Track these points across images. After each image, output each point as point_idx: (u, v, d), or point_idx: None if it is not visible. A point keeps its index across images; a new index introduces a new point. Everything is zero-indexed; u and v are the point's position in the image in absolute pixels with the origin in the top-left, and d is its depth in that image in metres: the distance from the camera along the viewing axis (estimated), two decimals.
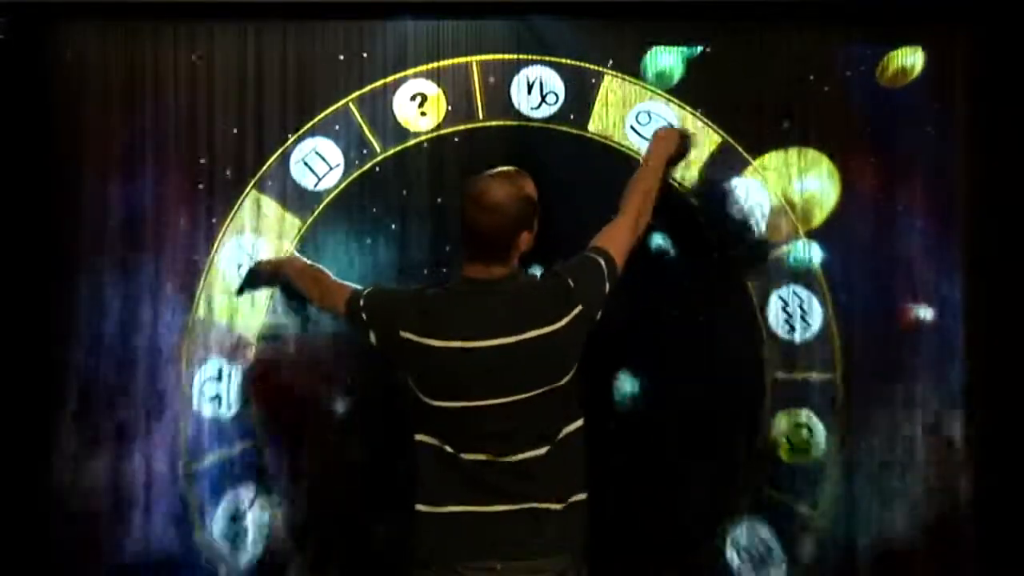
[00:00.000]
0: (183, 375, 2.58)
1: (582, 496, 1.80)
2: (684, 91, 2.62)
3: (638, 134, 2.61)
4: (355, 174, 2.62)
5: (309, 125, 2.62)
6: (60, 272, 2.57)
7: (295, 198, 2.62)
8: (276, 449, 2.58)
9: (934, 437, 2.59)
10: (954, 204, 2.62)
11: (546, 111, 2.63)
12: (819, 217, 2.62)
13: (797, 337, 2.61)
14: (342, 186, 2.62)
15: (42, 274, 2.57)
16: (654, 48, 2.61)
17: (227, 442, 2.58)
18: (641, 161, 2.16)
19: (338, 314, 1.94)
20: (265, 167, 2.61)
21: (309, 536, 2.57)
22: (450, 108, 2.62)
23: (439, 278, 2.42)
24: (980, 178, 2.60)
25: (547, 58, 2.62)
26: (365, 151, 2.62)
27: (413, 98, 2.62)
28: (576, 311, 1.76)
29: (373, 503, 2.51)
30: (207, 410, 2.59)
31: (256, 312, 2.58)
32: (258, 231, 2.60)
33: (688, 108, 2.62)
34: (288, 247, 2.58)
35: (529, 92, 2.62)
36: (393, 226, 2.59)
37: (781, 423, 2.60)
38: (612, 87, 2.63)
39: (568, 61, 2.62)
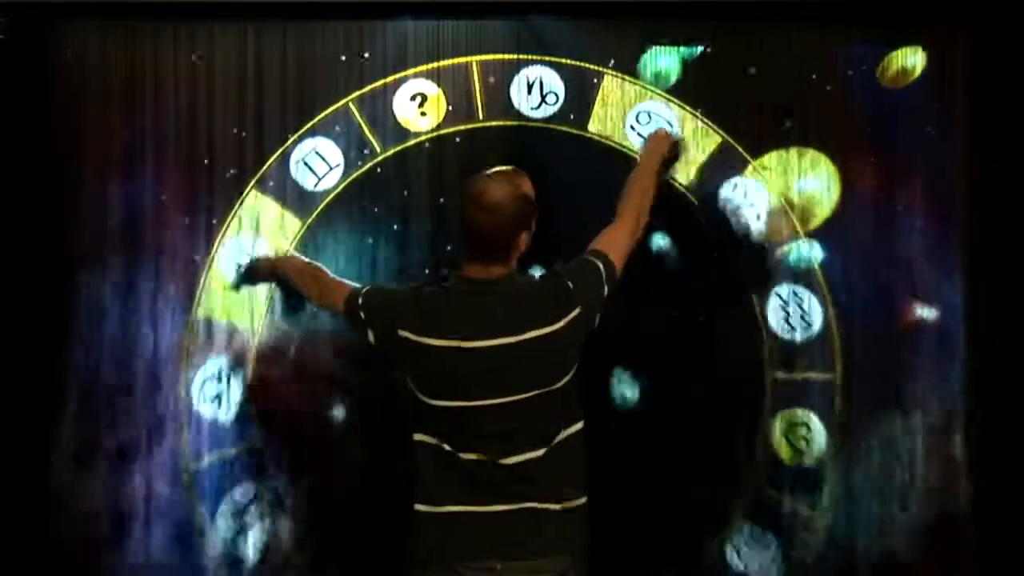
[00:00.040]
0: (183, 375, 2.58)
1: (582, 499, 1.80)
2: (684, 91, 2.62)
3: (638, 134, 2.61)
4: (355, 174, 2.62)
5: (309, 125, 2.62)
6: (60, 272, 2.57)
7: (295, 198, 2.62)
8: (276, 449, 2.58)
9: (934, 437, 2.59)
10: (954, 204, 2.62)
11: (546, 111, 2.63)
12: (819, 217, 2.62)
13: (797, 337, 2.61)
14: (342, 186, 2.62)
15: (42, 274, 2.57)
16: (652, 49, 2.61)
17: (227, 442, 2.58)
18: (636, 166, 2.15)
19: (337, 313, 1.94)
20: (265, 167, 2.61)
21: (309, 536, 2.57)
22: (450, 108, 2.62)
23: (439, 278, 2.42)
24: (980, 178, 2.60)
25: (547, 58, 2.62)
26: (365, 151, 2.62)
27: (413, 98, 2.62)
28: (575, 312, 1.76)
29: (373, 503, 2.51)
30: (207, 410, 2.59)
31: (256, 312, 2.58)
32: (258, 231, 2.60)
33: (688, 108, 2.62)
34: (288, 247, 2.58)
35: (529, 92, 2.62)
36: (393, 226, 2.59)
37: (781, 423, 2.60)
38: (612, 87, 2.63)
39: (568, 61, 2.62)
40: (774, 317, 2.61)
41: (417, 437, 1.81)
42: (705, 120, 2.62)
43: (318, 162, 2.62)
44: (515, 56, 2.61)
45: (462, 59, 2.62)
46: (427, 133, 2.62)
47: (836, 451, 2.60)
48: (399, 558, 1.86)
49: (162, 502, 2.57)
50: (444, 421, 1.76)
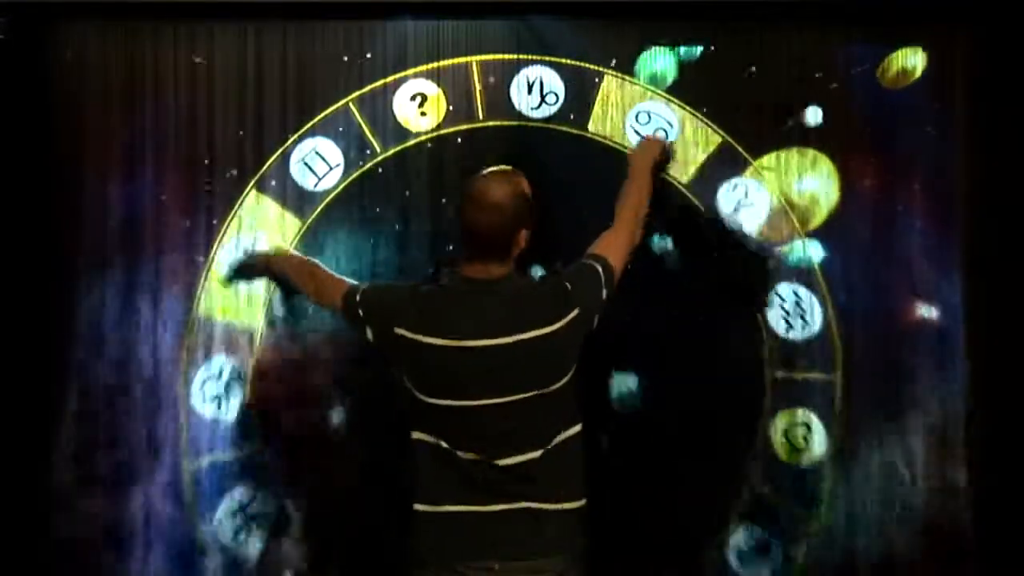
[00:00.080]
0: (183, 375, 2.58)
1: (581, 501, 1.80)
2: (684, 91, 2.62)
3: (638, 134, 2.61)
4: (355, 174, 2.62)
5: (309, 125, 2.62)
6: (60, 272, 2.58)
7: (295, 198, 2.62)
8: (276, 449, 2.58)
9: (934, 437, 2.59)
10: (954, 204, 2.62)
11: (546, 111, 2.63)
12: (819, 217, 2.62)
13: (797, 337, 2.61)
14: (342, 186, 2.62)
15: (42, 274, 2.57)
16: (649, 51, 2.61)
17: (227, 442, 2.58)
18: (629, 172, 2.15)
19: (335, 310, 1.92)
20: (265, 167, 2.61)
21: (309, 536, 2.57)
22: (450, 108, 2.62)
23: (433, 277, 2.42)
24: (980, 178, 2.60)
25: (547, 58, 2.62)
26: (365, 151, 2.62)
27: (413, 98, 2.62)
28: (573, 314, 1.76)
29: (373, 503, 2.51)
30: (207, 410, 2.59)
31: (256, 312, 2.58)
32: (258, 231, 2.60)
33: (688, 108, 2.62)
34: (288, 248, 2.58)
35: (529, 92, 2.62)
36: (393, 226, 2.59)
37: (781, 423, 2.60)
38: (612, 87, 2.63)
39: (568, 61, 2.62)
40: (774, 317, 2.61)
41: (415, 436, 1.81)
42: (705, 120, 2.62)
43: (318, 162, 2.62)
44: (515, 56, 2.62)
45: (462, 59, 2.62)
46: (427, 133, 2.62)
47: (836, 451, 2.59)
48: (399, 558, 1.85)
49: (162, 502, 2.56)
50: (441, 420, 1.76)
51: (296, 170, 2.62)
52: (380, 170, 2.61)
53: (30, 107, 2.57)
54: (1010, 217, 2.57)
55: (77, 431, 2.56)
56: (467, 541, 1.74)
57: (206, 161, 2.60)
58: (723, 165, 2.62)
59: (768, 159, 2.61)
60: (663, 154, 2.18)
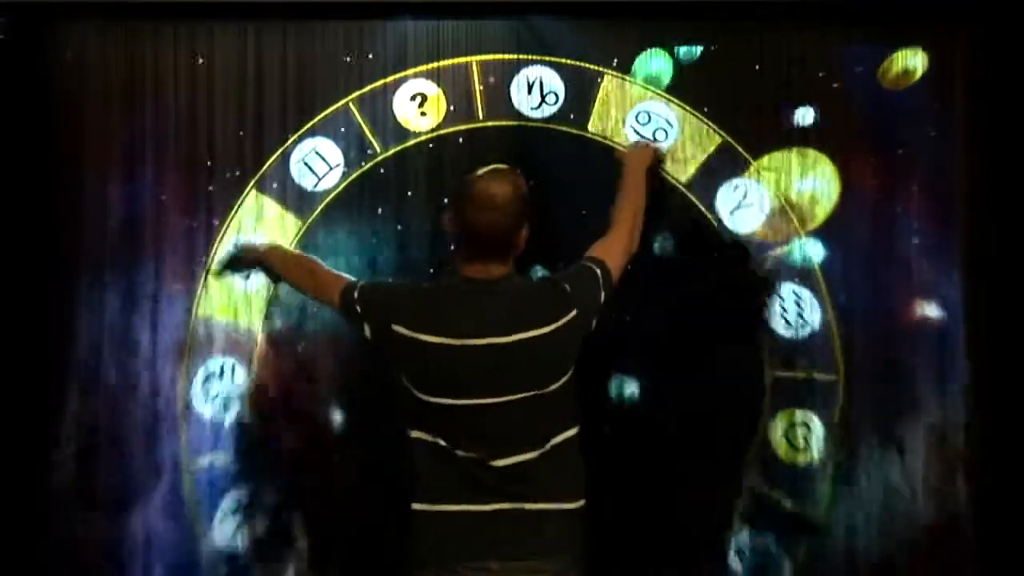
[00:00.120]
0: (183, 375, 2.58)
1: (579, 502, 1.80)
2: (684, 91, 2.62)
3: (638, 134, 2.62)
4: (355, 174, 2.62)
5: (309, 125, 2.62)
6: (60, 272, 2.57)
7: (295, 198, 2.62)
8: (276, 448, 2.58)
9: (934, 437, 2.59)
10: (954, 204, 2.62)
11: (546, 111, 2.63)
12: (819, 217, 2.62)
13: (797, 337, 2.61)
14: (342, 186, 2.62)
15: (42, 274, 2.57)
16: (644, 53, 2.61)
17: (227, 442, 2.58)
18: (622, 177, 2.15)
19: (332, 306, 1.91)
20: (265, 167, 2.61)
21: (309, 536, 2.57)
22: (451, 108, 2.62)
23: (437, 277, 2.42)
24: (980, 178, 2.60)
25: (547, 58, 2.62)
26: (365, 151, 2.62)
27: (413, 98, 2.62)
28: (571, 315, 1.76)
29: (373, 503, 2.51)
30: (207, 410, 2.59)
31: (256, 311, 2.59)
32: (258, 231, 2.60)
33: (688, 108, 2.62)
34: (280, 243, 2.56)
35: (529, 92, 2.62)
36: (393, 226, 2.59)
37: (781, 423, 2.60)
38: (612, 87, 2.63)
39: (568, 61, 2.62)
40: (774, 317, 2.61)
41: (413, 435, 1.80)
42: (705, 120, 2.62)
43: (318, 162, 2.62)
44: (515, 56, 2.62)
45: (462, 59, 2.62)
46: (427, 133, 2.62)
47: (836, 451, 2.59)
48: (399, 558, 1.85)
49: (162, 502, 2.57)
50: (439, 418, 1.76)
51: (296, 170, 2.62)
52: (380, 170, 2.61)
53: (30, 107, 2.57)
54: (1010, 217, 2.57)
55: (77, 431, 2.56)
56: (466, 541, 1.74)
57: (206, 161, 2.60)
58: (723, 165, 2.62)
59: (768, 159, 2.61)
60: (655, 158, 2.18)
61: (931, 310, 2.61)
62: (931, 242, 2.60)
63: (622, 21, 2.60)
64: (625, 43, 2.62)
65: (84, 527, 2.56)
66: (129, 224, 2.59)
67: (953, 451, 2.59)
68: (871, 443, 2.59)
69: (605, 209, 2.09)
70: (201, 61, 2.59)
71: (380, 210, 2.61)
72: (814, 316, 2.61)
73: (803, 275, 2.61)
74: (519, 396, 1.73)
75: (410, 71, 2.62)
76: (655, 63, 2.62)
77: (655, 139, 2.61)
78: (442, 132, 2.61)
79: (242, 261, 2.19)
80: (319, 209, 2.62)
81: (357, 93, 2.62)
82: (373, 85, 2.62)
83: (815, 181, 2.62)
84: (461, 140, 2.61)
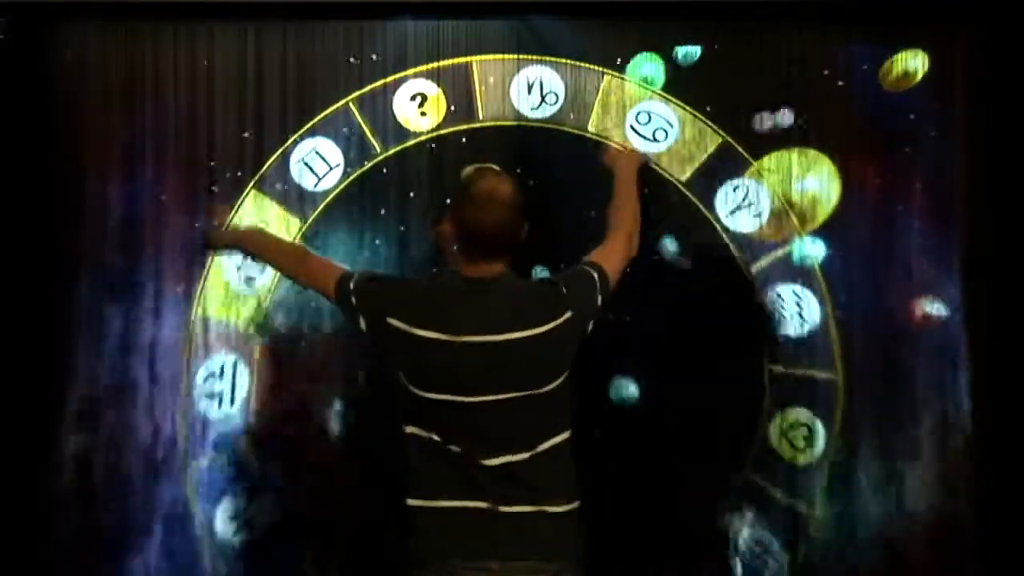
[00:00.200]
0: (183, 375, 2.58)
1: (571, 505, 1.79)
2: (685, 91, 2.62)
3: (638, 134, 2.62)
4: (355, 174, 2.62)
5: (309, 125, 2.62)
6: (60, 272, 2.57)
7: (295, 198, 2.62)
8: (276, 448, 2.59)
9: (934, 436, 2.59)
10: (954, 204, 2.62)
11: (546, 111, 2.63)
12: (819, 217, 2.62)
13: (797, 337, 2.61)
14: (342, 186, 2.62)
15: (43, 274, 2.57)
16: (635, 58, 2.61)
17: (227, 441, 2.58)
18: (614, 183, 2.16)
19: (326, 296, 1.90)
20: (265, 167, 2.61)
21: (309, 535, 2.57)
22: (450, 108, 2.62)
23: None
24: (980, 178, 2.60)
25: (547, 58, 2.62)
26: (365, 151, 2.62)
27: (413, 98, 2.62)
28: (566, 316, 1.76)
29: (374, 502, 2.51)
30: (207, 410, 2.59)
31: (256, 310, 2.59)
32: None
33: (688, 108, 2.62)
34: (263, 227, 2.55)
35: (529, 92, 2.62)
36: (393, 226, 2.59)
37: (780, 423, 2.60)
38: (612, 87, 2.63)
39: (568, 61, 2.62)
40: (774, 317, 2.61)
41: (408, 430, 1.80)
42: (705, 120, 2.62)
43: (318, 162, 2.62)
44: (515, 56, 2.62)
45: (462, 59, 2.62)
46: (427, 133, 2.62)
47: (836, 450, 2.59)
48: (400, 558, 1.85)
49: (162, 501, 2.57)
50: (432, 414, 1.76)
51: (296, 170, 2.62)
52: (383, 170, 2.61)
53: (30, 107, 2.57)
54: (1010, 217, 2.57)
55: (77, 431, 2.56)
56: (462, 539, 1.74)
57: (206, 161, 2.60)
58: (723, 165, 2.62)
59: (768, 159, 2.61)
60: (642, 161, 2.19)
61: (931, 310, 2.61)
62: (931, 242, 2.60)
63: (622, 21, 2.60)
64: (625, 43, 2.62)
65: (83, 526, 2.55)
66: (129, 224, 2.59)
67: (953, 451, 2.59)
68: (871, 443, 2.59)
69: (605, 209, 2.10)
70: (205, 62, 2.59)
71: (380, 210, 2.60)
72: (814, 316, 2.61)
73: (803, 275, 2.61)
74: (512, 395, 1.73)
75: (410, 71, 2.62)
76: (646, 67, 2.62)
77: (655, 139, 2.61)
78: (442, 132, 2.61)
79: (214, 243, 2.17)
80: (319, 209, 2.62)
81: (357, 93, 2.62)
82: (373, 85, 2.62)
83: (815, 181, 2.61)
84: (464, 140, 2.61)
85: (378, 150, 2.62)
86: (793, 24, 2.61)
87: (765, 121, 2.59)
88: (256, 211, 2.60)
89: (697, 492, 2.55)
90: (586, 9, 2.57)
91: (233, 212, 2.60)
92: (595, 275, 1.86)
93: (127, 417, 2.57)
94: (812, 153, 2.61)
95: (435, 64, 2.61)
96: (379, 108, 2.62)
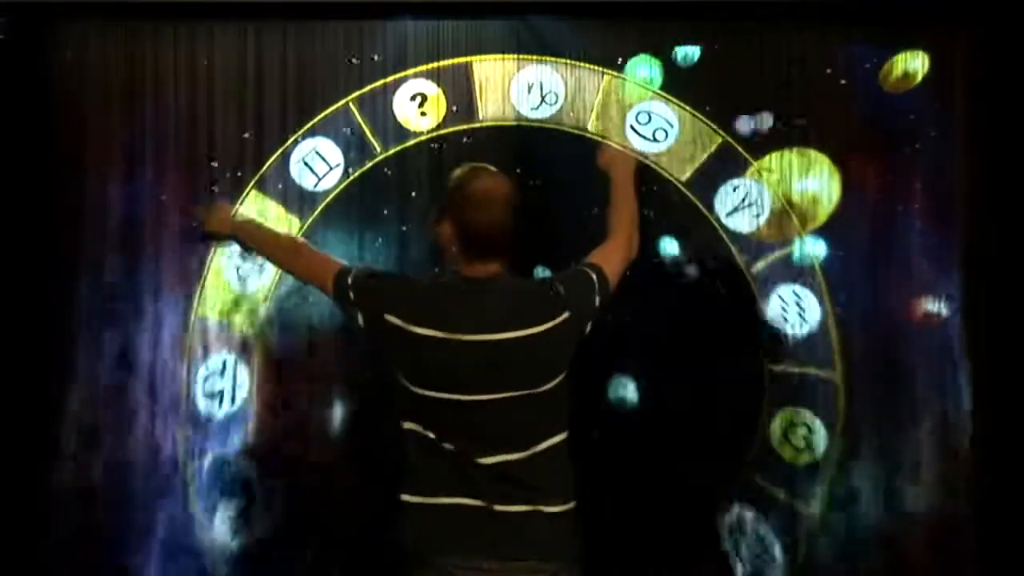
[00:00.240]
0: (183, 375, 2.58)
1: (566, 507, 1.79)
2: (685, 91, 2.62)
3: (638, 134, 2.62)
4: (355, 174, 2.62)
5: (309, 125, 2.62)
6: (60, 272, 2.57)
7: (295, 198, 2.62)
8: (276, 447, 2.59)
9: (934, 436, 2.59)
10: (954, 204, 2.62)
11: (546, 111, 2.63)
12: (819, 217, 2.62)
13: (797, 337, 2.61)
14: (342, 186, 2.62)
15: (43, 274, 2.57)
16: (631, 60, 2.61)
17: (228, 440, 2.58)
18: (612, 186, 2.16)
19: (324, 290, 1.89)
20: (265, 167, 2.61)
21: (309, 535, 2.57)
22: (451, 108, 2.62)
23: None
24: (980, 178, 2.60)
25: (547, 58, 2.62)
26: (365, 151, 2.62)
27: (413, 98, 2.62)
28: (563, 316, 1.76)
29: (374, 502, 2.51)
30: (208, 409, 2.59)
31: (256, 309, 2.59)
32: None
33: (688, 108, 2.62)
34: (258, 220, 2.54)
35: (529, 92, 2.62)
36: (393, 226, 2.59)
37: (780, 422, 2.60)
38: (612, 87, 2.63)
39: (568, 61, 2.62)
40: (774, 317, 2.61)
41: (405, 426, 1.80)
42: (705, 120, 2.62)
43: (318, 162, 2.62)
44: (515, 56, 2.62)
45: (462, 59, 2.62)
46: (427, 133, 2.62)
47: (836, 450, 2.59)
48: (398, 557, 1.85)
49: (162, 500, 2.57)
50: (429, 411, 1.76)
51: (296, 170, 2.62)
52: (381, 170, 2.61)
53: (30, 107, 2.57)
54: (1010, 217, 2.57)
55: (77, 431, 2.56)
56: (457, 537, 1.74)
57: (205, 161, 2.60)
58: (723, 165, 2.62)
59: (768, 159, 2.61)
60: (636, 163, 2.20)
61: (931, 310, 2.61)
62: (931, 242, 2.60)
63: (622, 21, 2.60)
64: (625, 43, 2.62)
65: (83, 526, 2.55)
66: (129, 224, 2.59)
67: (953, 451, 2.59)
68: (871, 443, 2.59)
69: (605, 209, 2.10)
70: (207, 63, 2.59)
71: (380, 210, 2.60)
72: (814, 316, 2.61)
73: (803, 275, 2.61)
74: (509, 394, 1.73)
75: (410, 71, 2.62)
76: (642, 69, 2.62)
77: (655, 139, 2.61)
78: (442, 132, 2.61)
79: (210, 233, 2.16)
80: (319, 209, 2.62)
81: (357, 93, 2.62)
82: (373, 85, 2.62)
83: (815, 181, 2.61)
84: (466, 140, 2.61)
85: (378, 150, 2.62)
86: (793, 24, 2.61)
87: (745, 125, 2.59)
88: (256, 211, 2.60)
89: (697, 492, 2.55)
90: (586, 9, 2.57)
91: (233, 212, 2.59)
92: (594, 276, 1.86)
93: (127, 417, 2.56)
94: (812, 153, 2.61)
95: (435, 64, 2.61)
96: (379, 108, 2.62)
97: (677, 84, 2.62)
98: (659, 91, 2.62)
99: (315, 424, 2.59)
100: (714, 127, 2.62)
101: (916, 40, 2.61)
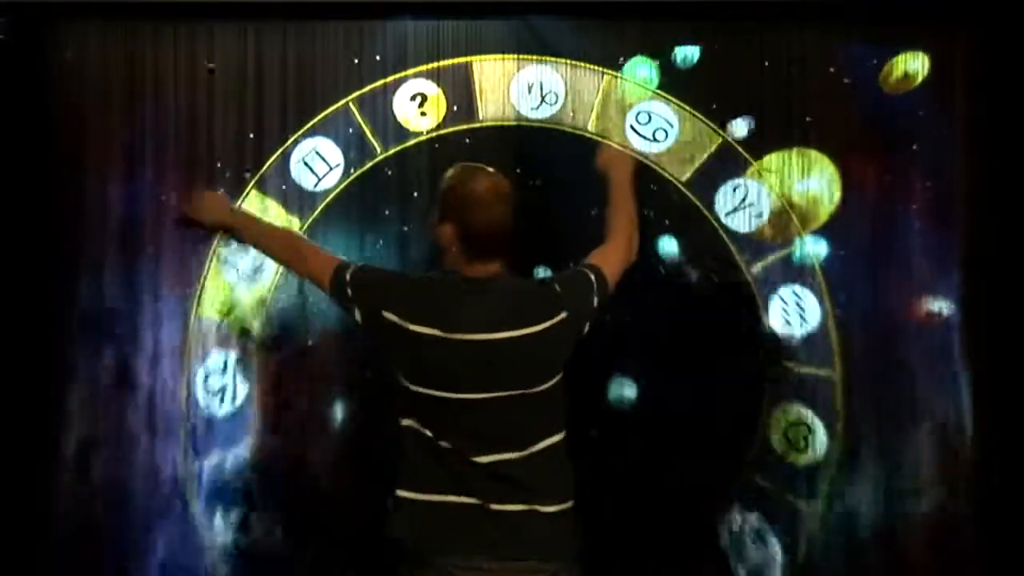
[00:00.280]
0: (184, 374, 2.58)
1: (563, 506, 1.78)
2: (685, 91, 2.62)
3: (638, 134, 2.62)
4: (355, 174, 2.62)
5: (309, 125, 2.62)
6: (60, 272, 2.58)
7: (295, 198, 2.62)
8: (277, 446, 2.59)
9: (934, 436, 2.59)
10: (954, 204, 2.62)
11: (546, 111, 2.63)
12: (820, 217, 2.62)
13: (797, 336, 2.61)
14: (342, 186, 2.62)
15: (42, 274, 2.57)
16: (628, 62, 2.61)
17: (228, 440, 2.58)
18: (610, 187, 2.15)
19: (322, 287, 1.85)
20: (265, 167, 2.61)
21: (310, 534, 2.57)
22: (451, 108, 2.62)
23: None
24: (980, 178, 2.60)
25: (547, 58, 2.62)
26: (365, 151, 2.62)
27: (413, 98, 2.62)
28: (561, 316, 1.76)
29: (374, 501, 2.51)
30: (208, 409, 2.59)
31: (257, 309, 2.59)
32: None
33: (688, 108, 2.62)
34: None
35: (529, 92, 2.62)
36: (394, 226, 2.60)
37: (780, 422, 2.60)
38: (612, 87, 2.63)
39: (568, 61, 2.62)
40: (775, 317, 2.61)
41: (403, 422, 1.80)
42: (705, 120, 2.62)
43: (318, 162, 2.62)
44: (515, 56, 2.62)
45: (462, 59, 2.62)
46: (427, 133, 2.62)
47: (836, 450, 2.60)
48: (399, 557, 1.84)
49: (163, 500, 2.57)
50: (426, 408, 1.75)
51: (296, 170, 2.62)
52: (381, 170, 2.62)
53: (30, 107, 2.57)
54: (1010, 217, 2.57)
55: (77, 431, 2.56)
56: (453, 534, 1.73)
57: (205, 161, 2.60)
58: (723, 165, 2.62)
59: (768, 159, 2.62)
60: (634, 164, 2.19)
61: (931, 309, 2.61)
62: (931, 242, 2.61)
63: (622, 21, 2.60)
64: (625, 43, 2.62)
65: (84, 526, 2.55)
66: (129, 223, 2.59)
67: (953, 451, 2.59)
68: (871, 443, 2.59)
69: (605, 209, 2.10)
70: (212, 66, 2.59)
71: (380, 210, 2.61)
72: (814, 316, 2.61)
73: (803, 275, 2.61)
74: (505, 394, 1.72)
75: (410, 71, 2.62)
76: (640, 71, 2.62)
77: (655, 139, 2.61)
78: (442, 132, 2.62)
79: (205, 224, 2.03)
80: (319, 209, 2.62)
81: (357, 93, 2.62)
82: (373, 85, 2.62)
83: (815, 181, 2.62)
84: (468, 140, 2.61)
85: (378, 150, 2.62)
86: (793, 24, 2.61)
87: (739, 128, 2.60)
88: (256, 211, 2.60)
89: (697, 492, 2.55)
90: (586, 9, 2.57)
91: (234, 204, 2.60)
92: (592, 277, 1.86)
93: (127, 417, 2.57)
94: (812, 153, 2.61)
95: (435, 64, 2.61)
96: (379, 108, 2.62)
97: (677, 84, 2.62)
98: (659, 91, 2.62)
99: (315, 424, 2.59)
100: (714, 127, 2.62)
101: (916, 40, 2.61)
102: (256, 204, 2.60)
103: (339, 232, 2.61)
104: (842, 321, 2.60)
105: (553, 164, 2.56)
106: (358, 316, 1.80)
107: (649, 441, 2.54)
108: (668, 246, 2.61)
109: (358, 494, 2.55)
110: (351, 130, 2.62)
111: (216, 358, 2.60)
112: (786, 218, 2.62)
